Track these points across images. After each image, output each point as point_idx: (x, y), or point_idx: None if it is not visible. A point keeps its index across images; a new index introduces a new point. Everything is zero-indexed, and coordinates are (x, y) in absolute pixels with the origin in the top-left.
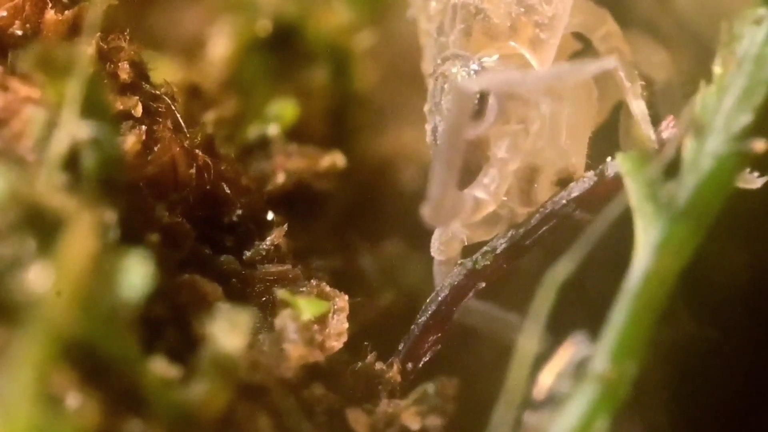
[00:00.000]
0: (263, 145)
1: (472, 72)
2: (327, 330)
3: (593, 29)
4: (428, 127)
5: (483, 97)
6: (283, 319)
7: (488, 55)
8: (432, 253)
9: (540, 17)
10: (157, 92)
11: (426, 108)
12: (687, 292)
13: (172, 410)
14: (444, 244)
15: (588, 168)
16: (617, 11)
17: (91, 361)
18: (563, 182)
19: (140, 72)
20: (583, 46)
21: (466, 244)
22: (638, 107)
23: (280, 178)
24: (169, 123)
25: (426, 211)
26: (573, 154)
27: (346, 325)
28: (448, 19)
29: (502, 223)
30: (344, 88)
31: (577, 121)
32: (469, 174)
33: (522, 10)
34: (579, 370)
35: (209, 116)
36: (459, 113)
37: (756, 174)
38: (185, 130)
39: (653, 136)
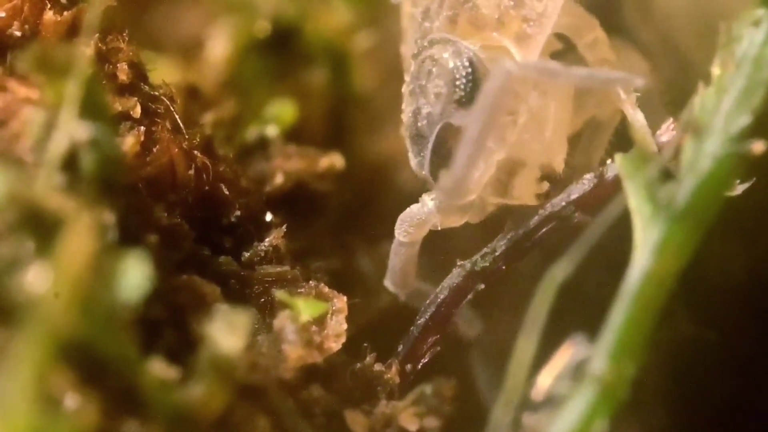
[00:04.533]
0: (262, 146)
1: (465, 58)
2: (325, 331)
3: (581, 34)
4: (408, 108)
5: (476, 85)
6: (282, 320)
7: (472, 45)
8: (396, 233)
9: (529, 12)
10: (156, 93)
11: (405, 89)
12: (686, 293)
13: (170, 411)
14: (414, 227)
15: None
16: (599, 20)
17: (89, 362)
18: (546, 178)
19: (139, 73)
20: (563, 47)
21: (438, 229)
22: (636, 117)
23: (279, 179)
24: (167, 124)
25: (445, 183)
26: (555, 151)
27: (345, 326)
28: (435, 5)
29: (472, 211)
30: (343, 89)
31: (559, 119)
32: (449, 160)
33: (511, 3)
34: (578, 371)
35: (208, 117)
36: (499, 93)
37: (737, 180)
38: (184, 131)
39: (654, 146)
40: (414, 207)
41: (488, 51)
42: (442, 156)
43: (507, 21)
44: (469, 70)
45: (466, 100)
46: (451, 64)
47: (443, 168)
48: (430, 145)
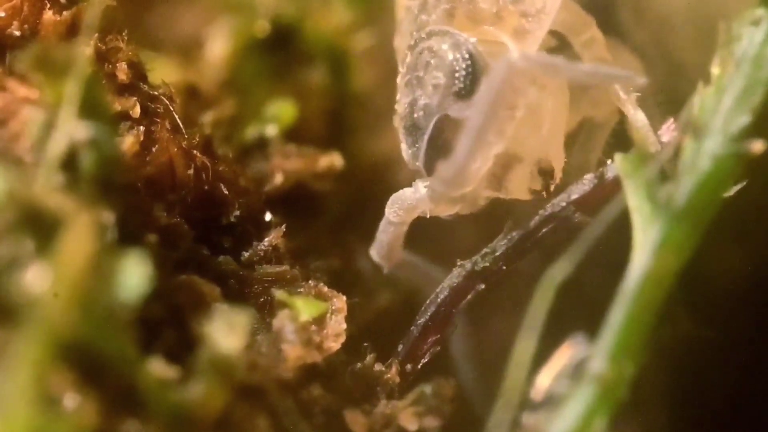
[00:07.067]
0: (261, 145)
1: (464, 50)
2: (325, 331)
3: (577, 32)
4: (404, 100)
5: (475, 78)
6: (281, 320)
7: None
8: (386, 212)
9: (528, 7)
10: (155, 93)
11: (400, 80)
12: (685, 293)
13: (169, 411)
14: (404, 211)
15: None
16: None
17: (88, 362)
18: (542, 173)
19: (138, 72)
20: (556, 45)
21: (427, 216)
22: (638, 116)
23: (278, 179)
24: (167, 123)
25: (444, 174)
26: (552, 147)
27: (344, 326)
28: None
29: (464, 203)
30: (342, 89)
31: (556, 116)
32: (448, 152)
33: None
34: (577, 370)
35: (207, 117)
36: (502, 85)
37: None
38: (183, 131)
39: (656, 145)
40: (407, 191)
41: (485, 45)
42: (437, 148)
43: (505, 16)
44: (469, 62)
45: (465, 92)
46: (450, 56)
47: (438, 159)
48: (426, 137)
